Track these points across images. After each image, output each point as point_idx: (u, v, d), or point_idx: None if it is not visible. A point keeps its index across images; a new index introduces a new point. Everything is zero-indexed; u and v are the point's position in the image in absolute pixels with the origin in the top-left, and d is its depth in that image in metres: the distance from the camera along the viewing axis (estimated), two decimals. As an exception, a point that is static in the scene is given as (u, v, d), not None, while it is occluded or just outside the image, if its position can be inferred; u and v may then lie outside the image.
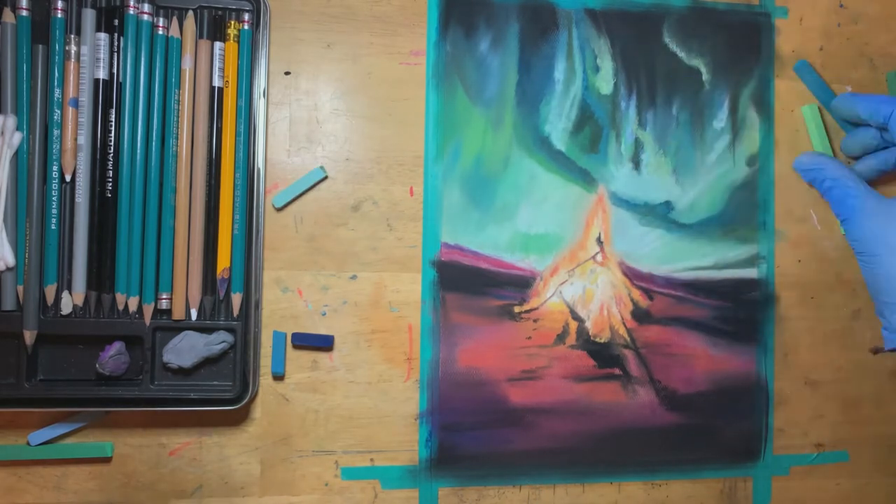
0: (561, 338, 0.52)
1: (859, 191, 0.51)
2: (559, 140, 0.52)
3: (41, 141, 0.46)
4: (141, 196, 0.47)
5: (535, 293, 0.52)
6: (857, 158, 0.55)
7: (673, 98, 0.53)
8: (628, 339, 0.53)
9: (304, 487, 0.50)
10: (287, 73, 0.50)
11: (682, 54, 0.54)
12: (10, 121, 0.45)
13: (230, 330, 0.48)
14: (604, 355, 0.52)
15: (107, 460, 0.48)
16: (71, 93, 0.46)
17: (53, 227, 0.46)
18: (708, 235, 0.53)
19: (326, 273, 0.50)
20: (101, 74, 0.46)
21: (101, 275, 0.46)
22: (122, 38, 0.46)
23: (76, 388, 0.46)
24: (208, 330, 0.48)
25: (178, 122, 0.47)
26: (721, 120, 0.54)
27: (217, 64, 0.47)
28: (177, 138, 0.47)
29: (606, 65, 0.53)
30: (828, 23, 0.56)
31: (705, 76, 0.54)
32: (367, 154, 0.51)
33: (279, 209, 0.49)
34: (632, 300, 0.53)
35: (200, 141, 0.47)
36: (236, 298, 0.48)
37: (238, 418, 0.49)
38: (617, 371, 0.53)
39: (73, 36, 0.46)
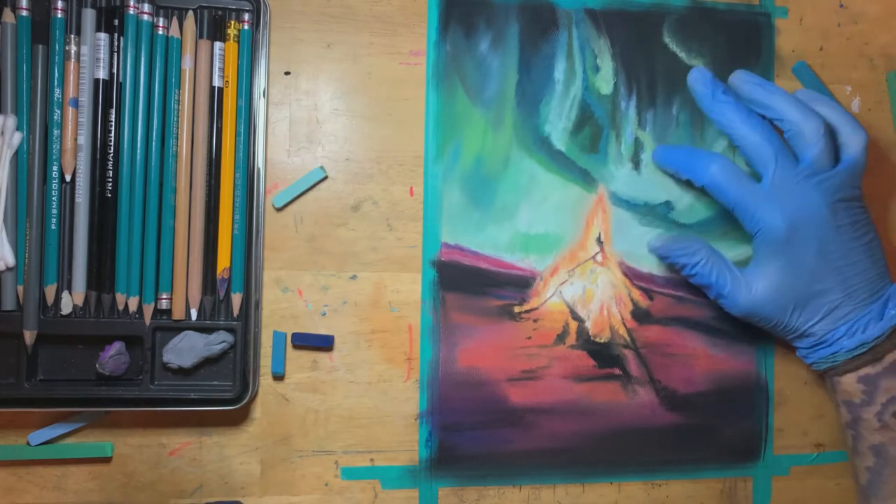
0: (561, 338, 0.52)
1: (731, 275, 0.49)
2: (559, 140, 0.52)
3: (41, 141, 0.46)
4: (141, 196, 0.47)
5: (535, 293, 0.52)
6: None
7: (673, 98, 0.53)
8: (628, 339, 0.53)
9: (304, 487, 0.50)
10: (287, 73, 0.50)
11: (682, 54, 0.54)
12: (10, 121, 0.45)
13: (230, 330, 0.48)
14: (604, 355, 0.52)
15: (107, 460, 0.48)
16: (71, 93, 0.46)
17: (53, 227, 0.46)
18: (708, 235, 0.53)
19: (326, 273, 0.50)
20: (101, 74, 0.46)
21: (101, 275, 0.46)
22: (122, 38, 0.46)
23: (76, 388, 0.46)
24: (208, 330, 0.48)
25: (178, 122, 0.47)
26: (721, 120, 0.54)
27: (217, 64, 0.48)
28: (177, 138, 0.47)
29: (606, 65, 0.53)
30: (828, 23, 0.56)
31: (705, 76, 0.54)
32: (367, 154, 0.51)
33: (279, 209, 0.49)
34: (632, 300, 0.53)
35: (200, 141, 0.47)
36: (236, 298, 0.48)
37: (238, 418, 0.49)
38: (617, 371, 0.53)
39: (73, 36, 0.46)
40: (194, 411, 0.48)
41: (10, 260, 0.45)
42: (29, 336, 0.46)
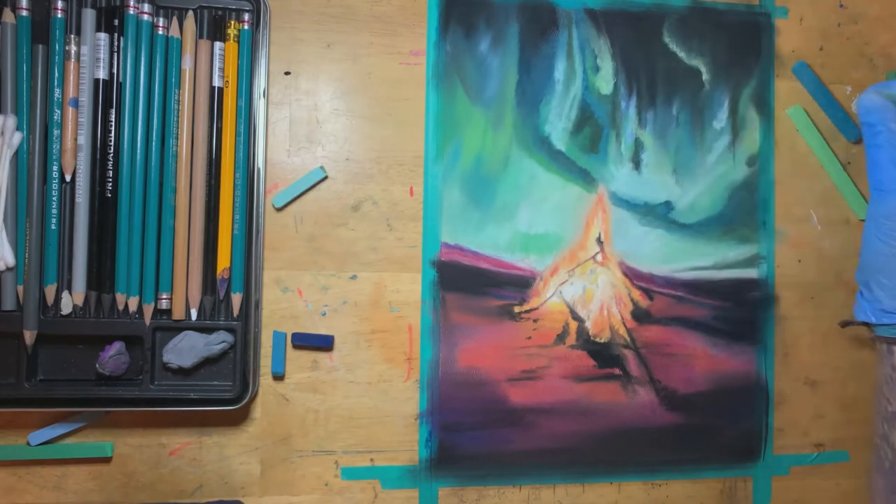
0: (561, 338, 0.52)
1: None
2: (559, 140, 0.52)
3: (41, 141, 0.46)
4: (141, 196, 0.47)
5: (535, 293, 0.52)
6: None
7: (673, 98, 0.53)
8: (628, 339, 0.53)
9: (304, 487, 0.50)
10: (287, 73, 0.50)
11: (682, 54, 0.54)
12: (10, 121, 0.45)
13: (230, 330, 0.48)
14: (604, 355, 0.52)
15: (107, 460, 0.48)
16: (71, 93, 0.46)
17: (53, 227, 0.46)
18: (708, 235, 0.53)
19: (326, 273, 0.50)
20: (101, 74, 0.46)
21: (101, 275, 0.46)
22: (122, 38, 0.46)
23: (76, 388, 0.46)
24: (208, 330, 0.48)
25: (178, 122, 0.47)
26: (721, 120, 0.54)
27: (217, 64, 0.47)
28: (177, 138, 0.47)
29: (606, 65, 0.53)
30: (828, 23, 0.56)
31: (705, 76, 0.54)
32: (367, 154, 0.51)
33: (279, 209, 0.49)
34: (632, 300, 0.53)
35: (200, 141, 0.47)
36: (236, 298, 0.48)
37: (238, 418, 0.49)
38: (617, 371, 0.53)
39: (73, 36, 0.46)
40: (194, 411, 0.48)
41: (10, 260, 0.45)
42: (29, 336, 0.46)
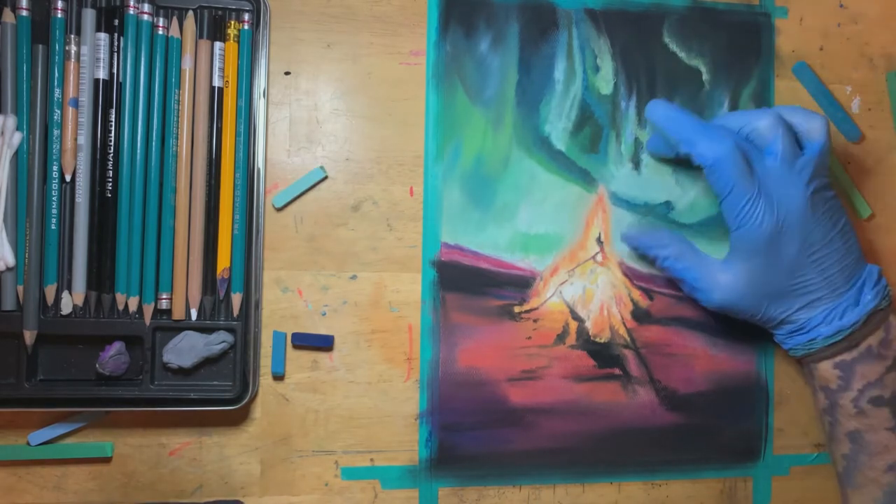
0: (561, 338, 0.52)
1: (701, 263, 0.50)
2: (559, 140, 0.52)
3: (41, 141, 0.46)
4: (141, 196, 0.47)
5: (535, 293, 0.52)
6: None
7: (673, 98, 0.53)
8: (628, 339, 0.53)
9: (304, 487, 0.50)
10: (287, 73, 0.50)
11: (682, 54, 0.54)
12: (10, 121, 0.45)
13: (230, 330, 0.48)
14: (604, 355, 0.52)
15: (107, 460, 0.48)
16: (71, 93, 0.46)
17: (53, 227, 0.46)
18: (708, 235, 0.53)
19: (326, 273, 0.50)
20: (101, 74, 0.46)
21: (101, 275, 0.46)
22: (122, 38, 0.46)
23: (76, 388, 0.46)
24: (208, 330, 0.48)
25: (178, 122, 0.47)
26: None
27: (217, 64, 0.48)
28: (177, 138, 0.47)
29: (606, 65, 0.53)
30: (828, 23, 0.56)
31: (705, 76, 0.54)
32: (367, 154, 0.51)
33: (279, 209, 0.49)
34: (632, 300, 0.53)
35: (200, 141, 0.47)
36: (236, 298, 0.48)
37: (238, 418, 0.49)
38: (617, 371, 0.53)
39: (73, 36, 0.46)
40: (194, 411, 0.48)
41: (10, 260, 0.45)
42: (29, 336, 0.46)
